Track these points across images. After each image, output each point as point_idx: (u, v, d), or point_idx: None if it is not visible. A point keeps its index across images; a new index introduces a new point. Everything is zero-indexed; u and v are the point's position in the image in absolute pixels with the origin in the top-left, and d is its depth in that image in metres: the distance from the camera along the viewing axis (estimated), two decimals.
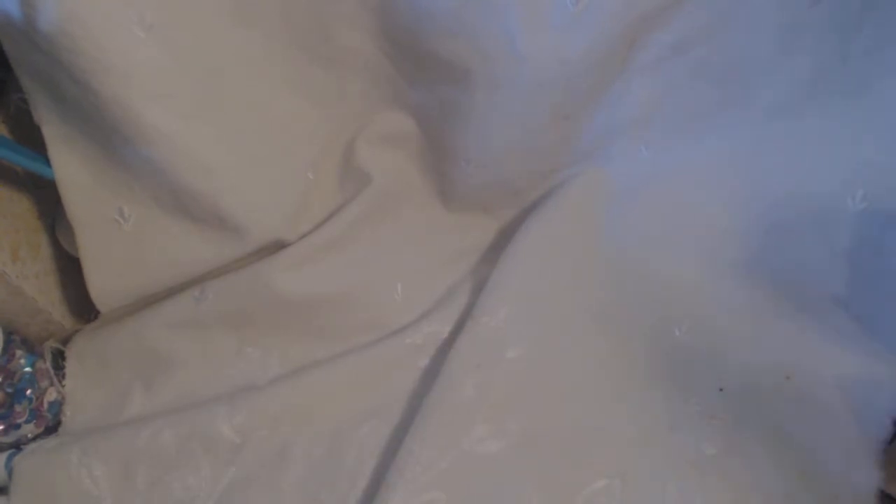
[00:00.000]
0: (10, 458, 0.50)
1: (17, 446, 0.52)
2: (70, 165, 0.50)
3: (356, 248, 0.62)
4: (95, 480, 0.50)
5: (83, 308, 0.59)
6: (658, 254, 0.61)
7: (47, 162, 0.50)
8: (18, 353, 0.53)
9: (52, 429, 0.55)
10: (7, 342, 0.52)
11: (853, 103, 0.53)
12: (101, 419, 0.56)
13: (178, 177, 0.50)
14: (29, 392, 0.52)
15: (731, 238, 0.59)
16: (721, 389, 0.55)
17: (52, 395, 0.55)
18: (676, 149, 0.61)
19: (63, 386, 0.57)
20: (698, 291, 0.59)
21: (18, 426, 0.52)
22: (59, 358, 0.58)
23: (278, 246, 0.59)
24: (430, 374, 0.57)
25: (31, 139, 0.51)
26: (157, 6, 0.45)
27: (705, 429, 0.54)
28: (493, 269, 0.61)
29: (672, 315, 0.59)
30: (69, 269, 0.59)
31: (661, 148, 0.61)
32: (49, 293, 0.56)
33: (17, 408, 0.51)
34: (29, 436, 0.53)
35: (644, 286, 0.61)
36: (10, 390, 0.51)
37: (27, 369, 0.53)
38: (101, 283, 0.54)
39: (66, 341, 0.59)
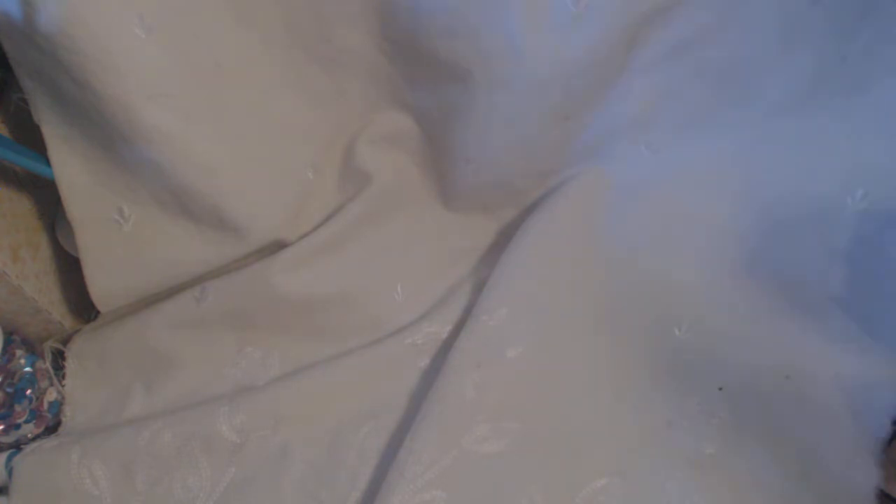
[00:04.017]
0: (10, 458, 0.50)
1: (17, 446, 0.52)
2: (70, 165, 0.50)
3: (356, 248, 0.63)
4: (95, 480, 0.50)
5: (83, 308, 0.59)
6: (658, 253, 0.61)
7: (47, 162, 0.49)
8: (18, 353, 0.53)
9: (52, 429, 0.55)
10: (7, 342, 0.52)
11: (853, 103, 0.53)
12: (101, 419, 0.56)
13: (178, 177, 0.50)
14: (29, 392, 0.52)
15: (731, 238, 0.59)
16: (721, 389, 0.55)
17: (52, 395, 0.55)
18: (677, 149, 0.61)
19: (63, 386, 0.57)
20: (698, 291, 0.59)
21: (18, 426, 0.52)
22: (59, 358, 0.58)
23: (278, 246, 0.59)
24: (430, 374, 0.57)
25: (31, 139, 0.51)
26: (156, 7, 0.45)
27: (705, 428, 0.54)
28: (493, 269, 0.61)
29: (672, 315, 0.59)
30: (69, 269, 0.59)
31: (662, 148, 0.61)
32: (49, 293, 0.56)
33: (17, 408, 0.51)
34: (29, 436, 0.53)
35: (644, 286, 0.61)
36: (10, 390, 0.51)
37: (27, 369, 0.53)
38: (101, 283, 0.54)
39: (66, 341, 0.59)
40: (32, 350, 0.54)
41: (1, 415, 0.50)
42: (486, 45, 0.52)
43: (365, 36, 0.56)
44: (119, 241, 0.53)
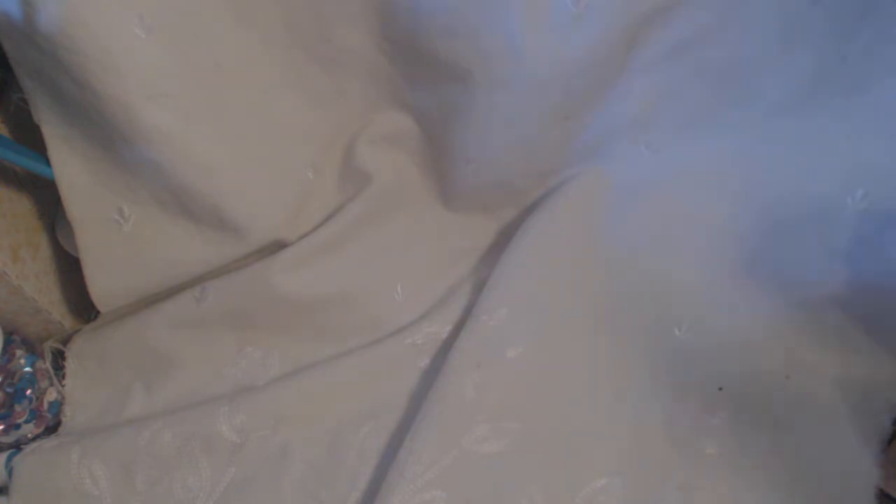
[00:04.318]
0: (10, 458, 0.50)
1: (17, 446, 0.52)
2: (70, 165, 0.50)
3: (356, 248, 0.63)
4: (95, 480, 0.50)
5: (83, 308, 0.59)
6: (658, 253, 0.61)
7: (47, 162, 0.49)
8: (18, 353, 0.53)
9: (52, 429, 0.55)
10: (7, 342, 0.52)
11: (853, 103, 0.53)
12: (101, 419, 0.56)
13: (178, 177, 0.50)
14: (29, 392, 0.52)
15: (731, 238, 0.59)
16: (721, 389, 0.55)
17: (52, 395, 0.55)
18: (677, 149, 0.61)
19: (63, 386, 0.57)
20: (698, 291, 0.59)
21: (18, 426, 0.52)
22: (59, 358, 0.58)
23: (278, 246, 0.59)
24: (430, 374, 0.57)
25: (31, 139, 0.51)
26: (156, 7, 0.45)
27: (705, 428, 0.54)
28: (493, 269, 0.61)
29: (672, 315, 0.59)
30: (69, 269, 0.59)
31: (662, 148, 0.61)
32: (49, 293, 0.56)
33: (17, 408, 0.51)
34: (29, 436, 0.53)
35: (644, 286, 0.61)
36: (10, 390, 0.51)
37: (27, 369, 0.53)
38: (102, 283, 0.54)
39: (66, 341, 0.59)
40: (32, 350, 0.54)
41: (1, 415, 0.50)
42: (486, 45, 0.52)
43: (365, 36, 0.56)
44: (119, 241, 0.53)
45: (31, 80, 0.46)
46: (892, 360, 0.52)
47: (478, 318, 0.57)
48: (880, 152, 0.53)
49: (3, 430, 0.51)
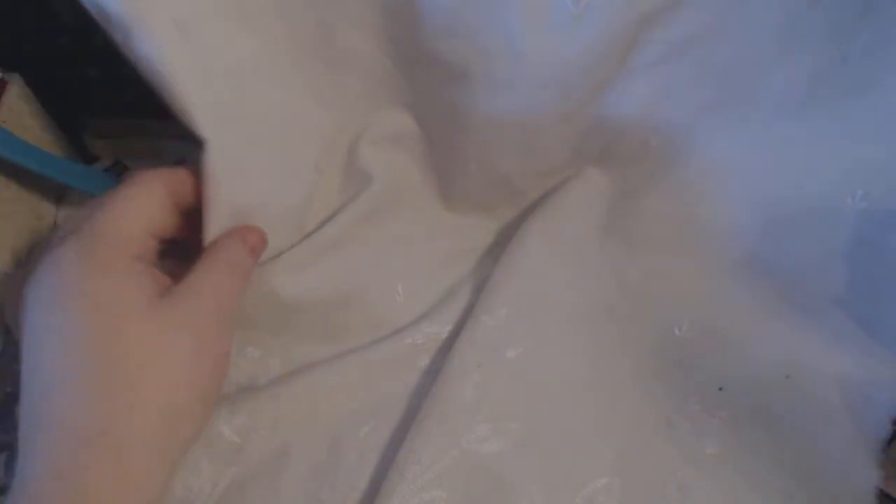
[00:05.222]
0: (10, 459, 0.50)
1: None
2: None
3: (357, 248, 0.62)
4: None
5: None
6: (658, 253, 0.61)
7: (52, 162, 0.49)
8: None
9: None
10: (7, 343, 0.52)
11: (853, 103, 0.53)
12: None
13: None
14: None
15: (731, 238, 0.60)
16: (721, 389, 0.55)
17: None
18: (676, 149, 0.61)
19: None
20: (698, 291, 0.59)
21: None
22: None
23: None
24: (430, 374, 0.57)
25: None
26: None
27: (705, 428, 0.54)
28: (493, 269, 0.61)
29: (672, 314, 0.59)
30: None
31: (661, 148, 0.61)
32: None
33: (17, 409, 0.51)
34: None
35: (643, 286, 0.61)
36: (9, 390, 0.51)
37: None
38: None
39: None
40: None
41: (1, 415, 0.50)
42: (486, 45, 0.52)
43: (366, 36, 0.56)
44: None
45: None
46: (893, 360, 0.52)
47: (478, 318, 0.56)
48: (881, 152, 0.53)
49: (3, 431, 0.51)
